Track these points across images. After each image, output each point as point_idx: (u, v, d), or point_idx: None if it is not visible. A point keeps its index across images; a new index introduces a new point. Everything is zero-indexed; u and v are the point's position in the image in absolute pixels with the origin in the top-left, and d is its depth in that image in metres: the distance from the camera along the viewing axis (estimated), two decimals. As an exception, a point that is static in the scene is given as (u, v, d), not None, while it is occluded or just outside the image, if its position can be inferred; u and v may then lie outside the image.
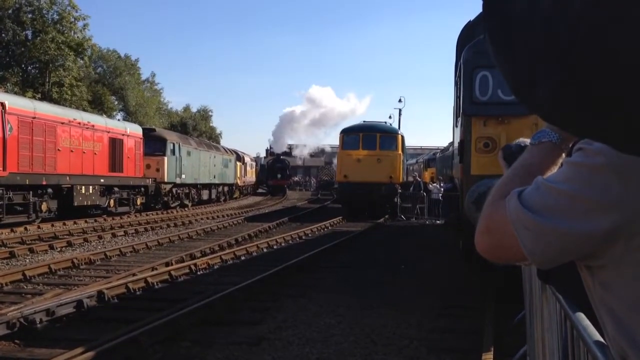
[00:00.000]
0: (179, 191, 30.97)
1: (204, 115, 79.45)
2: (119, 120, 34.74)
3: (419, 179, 28.70)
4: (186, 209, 30.68)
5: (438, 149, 44.92)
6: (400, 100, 46.58)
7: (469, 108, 8.77)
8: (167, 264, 11.45)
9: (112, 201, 23.74)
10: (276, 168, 56.24)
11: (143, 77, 62.89)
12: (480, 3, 0.87)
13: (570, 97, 0.79)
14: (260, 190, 57.29)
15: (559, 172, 1.02)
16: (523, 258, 1.05)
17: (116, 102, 56.97)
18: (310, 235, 18.46)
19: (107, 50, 55.81)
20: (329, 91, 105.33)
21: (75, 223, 19.95)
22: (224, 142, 76.40)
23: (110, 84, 55.38)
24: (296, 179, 71.87)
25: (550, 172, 1.17)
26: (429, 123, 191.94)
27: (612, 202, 0.93)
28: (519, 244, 1.02)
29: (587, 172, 0.96)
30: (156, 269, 10.84)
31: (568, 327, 2.16)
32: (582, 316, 1.94)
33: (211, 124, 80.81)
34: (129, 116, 54.76)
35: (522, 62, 0.82)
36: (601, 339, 1.66)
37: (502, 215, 1.05)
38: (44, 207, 19.01)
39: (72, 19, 42.23)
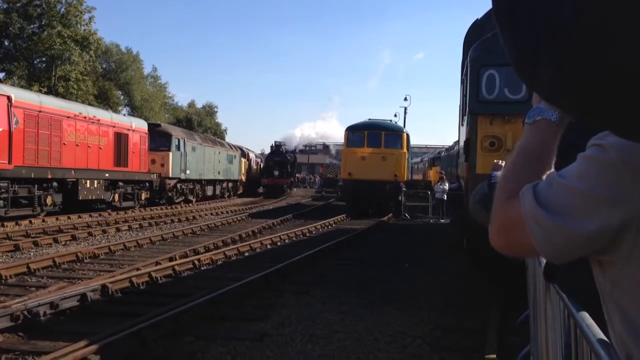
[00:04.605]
0: (183, 187, 31.01)
1: (209, 111, 79.51)
2: (124, 115, 34.79)
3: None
4: (190, 204, 30.73)
5: (443, 147, 44.86)
6: (406, 99, 46.51)
7: (476, 107, 8.75)
8: (170, 259, 11.47)
9: (116, 196, 23.80)
10: (274, 163, 44.52)
11: (146, 72, 63.05)
12: (487, 1, 0.87)
13: (571, 80, 0.79)
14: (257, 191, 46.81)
15: (571, 166, 1.02)
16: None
17: (122, 97, 57.11)
18: (314, 232, 18.47)
19: (110, 43, 55.94)
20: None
21: (79, 217, 20.01)
22: (229, 138, 76.44)
23: (116, 79, 55.49)
24: (300, 176, 70.58)
25: (552, 154, 1.16)
26: (435, 122, 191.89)
27: (622, 198, 0.94)
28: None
29: (599, 168, 0.97)
30: (160, 263, 10.86)
31: (571, 326, 2.15)
32: (585, 315, 1.93)
33: (216, 120, 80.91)
34: (135, 111, 54.87)
35: (527, 42, 0.82)
36: (605, 338, 1.65)
37: (517, 213, 1.06)
38: (49, 200, 19.07)
39: (78, 12, 42.26)
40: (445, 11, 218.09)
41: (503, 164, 4.26)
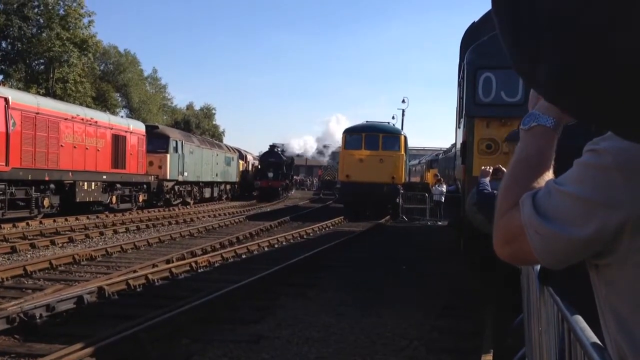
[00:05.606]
0: (181, 189, 30.98)
1: (207, 113, 79.49)
2: (122, 117, 34.72)
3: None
4: (188, 206, 30.68)
5: (441, 149, 44.87)
6: (403, 101, 46.51)
7: (472, 109, 8.75)
8: (167, 261, 11.46)
9: (114, 198, 23.76)
10: (268, 164, 41.48)
11: (146, 74, 63.07)
12: (485, 3, 0.86)
13: (570, 79, 0.78)
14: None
15: (568, 173, 1.03)
16: None
17: (120, 99, 57.06)
18: (311, 234, 18.46)
19: (109, 45, 55.94)
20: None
21: (77, 219, 19.99)
22: (227, 140, 76.36)
23: (114, 81, 55.45)
24: (297, 178, 70.13)
25: (550, 159, 1.17)
26: (433, 124, 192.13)
27: (618, 201, 0.95)
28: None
29: (594, 173, 0.98)
30: (157, 266, 10.85)
31: (565, 329, 2.15)
32: (579, 318, 1.94)
33: (214, 122, 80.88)
34: (133, 113, 54.81)
35: (527, 39, 0.81)
36: (598, 342, 1.65)
37: (518, 224, 1.07)
38: (46, 202, 19.03)
39: (78, 16, 42.23)
40: (444, 12, 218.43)
41: (490, 170, 4.25)
